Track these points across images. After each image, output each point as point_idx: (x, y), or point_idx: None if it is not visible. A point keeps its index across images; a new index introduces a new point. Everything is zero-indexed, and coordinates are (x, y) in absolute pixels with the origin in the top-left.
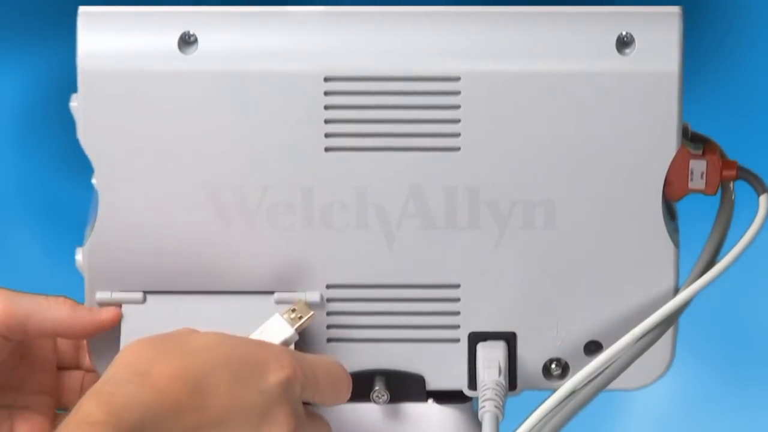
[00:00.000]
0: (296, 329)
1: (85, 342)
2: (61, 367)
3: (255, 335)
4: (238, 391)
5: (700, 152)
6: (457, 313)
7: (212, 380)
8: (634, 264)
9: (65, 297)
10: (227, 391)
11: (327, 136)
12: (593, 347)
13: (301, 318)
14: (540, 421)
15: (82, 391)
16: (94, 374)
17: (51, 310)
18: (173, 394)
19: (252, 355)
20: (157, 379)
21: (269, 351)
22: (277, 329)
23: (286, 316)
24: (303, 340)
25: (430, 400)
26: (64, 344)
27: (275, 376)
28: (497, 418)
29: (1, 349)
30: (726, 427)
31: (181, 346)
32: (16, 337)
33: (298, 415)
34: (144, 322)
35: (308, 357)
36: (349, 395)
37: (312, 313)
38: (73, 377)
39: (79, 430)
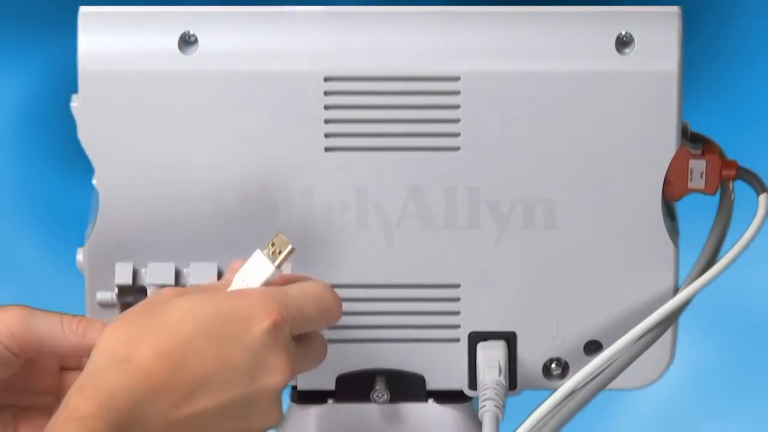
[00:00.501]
0: (276, 265)
1: None
2: (64, 368)
3: (237, 279)
4: (223, 353)
5: (699, 152)
6: (457, 313)
7: (195, 350)
8: (633, 263)
9: (80, 319)
10: (213, 357)
11: (327, 136)
12: (593, 347)
13: (280, 252)
14: (540, 420)
15: None
16: None
17: (66, 337)
18: (158, 374)
19: (233, 311)
20: (139, 362)
21: (251, 301)
22: (258, 269)
23: (266, 251)
24: None
25: (430, 400)
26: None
27: (260, 326)
28: (497, 418)
29: (11, 365)
30: (725, 427)
31: (160, 320)
32: (27, 356)
33: (292, 355)
34: None
35: (292, 292)
36: (340, 313)
37: (291, 247)
38: (76, 377)
39: (68, 425)
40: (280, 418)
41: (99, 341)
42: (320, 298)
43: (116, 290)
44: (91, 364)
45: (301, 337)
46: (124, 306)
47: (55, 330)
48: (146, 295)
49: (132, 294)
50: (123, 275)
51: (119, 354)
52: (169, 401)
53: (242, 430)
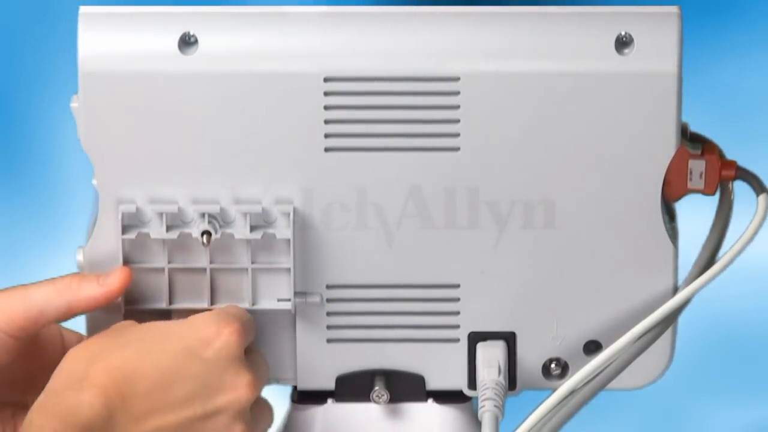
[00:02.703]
0: None
1: None
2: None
3: None
4: (181, 367)
5: (698, 152)
6: (457, 313)
7: (151, 364)
8: (633, 263)
9: (71, 276)
10: (171, 371)
11: (327, 136)
12: (593, 347)
13: None
14: (540, 420)
15: None
16: None
17: (61, 296)
18: (114, 389)
19: (192, 327)
20: (95, 379)
21: (209, 318)
22: None
23: None
24: (303, 339)
25: (430, 400)
26: (69, 345)
27: (220, 340)
28: (497, 418)
29: (11, 350)
30: (725, 427)
31: (117, 340)
32: (28, 334)
33: (253, 370)
34: None
35: (262, 364)
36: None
37: None
38: None
39: None
40: None
41: (60, 363)
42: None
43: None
44: (51, 385)
45: (247, 351)
46: (128, 312)
47: (49, 294)
48: None
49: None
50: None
51: (77, 373)
52: (131, 415)
53: None
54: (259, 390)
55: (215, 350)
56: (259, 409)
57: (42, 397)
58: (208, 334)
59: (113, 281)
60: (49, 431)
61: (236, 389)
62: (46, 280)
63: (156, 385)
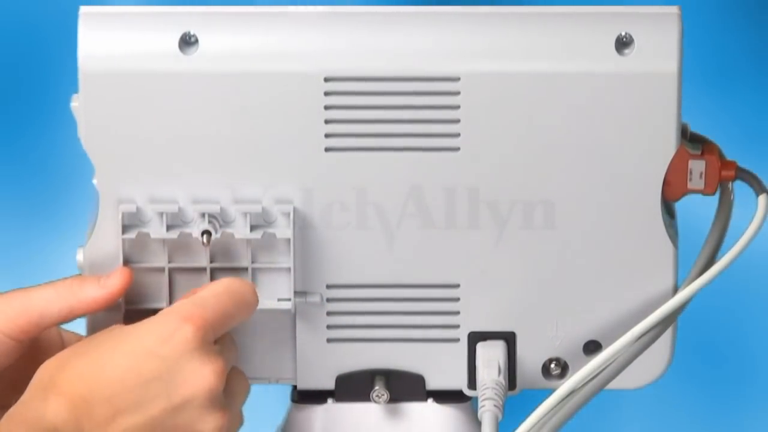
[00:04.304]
0: None
1: None
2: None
3: None
4: (139, 367)
5: (698, 152)
6: (457, 313)
7: (112, 367)
8: (633, 264)
9: (72, 278)
10: (130, 372)
11: (327, 136)
12: (592, 347)
13: None
14: (540, 420)
15: None
16: None
17: (62, 299)
18: (77, 393)
19: (149, 327)
20: (60, 387)
21: (167, 314)
22: None
23: None
24: (303, 339)
25: (430, 400)
26: (69, 346)
27: (179, 335)
28: (497, 418)
29: (12, 353)
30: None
31: (81, 348)
32: (29, 337)
33: (216, 359)
34: None
35: (204, 294)
36: (257, 299)
37: None
38: None
39: None
40: (219, 423)
41: (33, 379)
42: (234, 291)
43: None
44: (22, 397)
45: (220, 340)
46: (128, 312)
47: (50, 296)
48: None
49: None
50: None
51: (43, 383)
52: (98, 420)
53: None
54: (225, 375)
55: (172, 346)
56: (234, 381)
57: (11, 410)
58: (165, 331)
59: (114, 283)
60: None
61: (200, 379)
62: (47, 282)
63: (118, 388)
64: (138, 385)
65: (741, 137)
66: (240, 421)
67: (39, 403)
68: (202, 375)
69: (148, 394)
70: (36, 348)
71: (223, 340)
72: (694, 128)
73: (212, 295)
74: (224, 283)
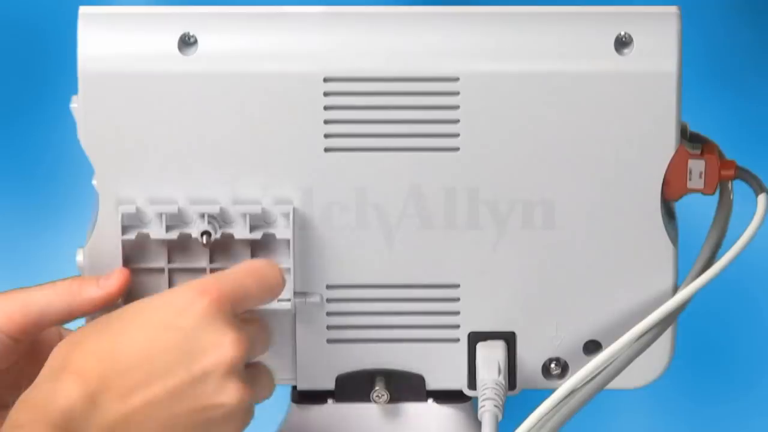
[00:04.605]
0: None
1: None
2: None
3: None
4: (156, 339)
5: (698, 152)
6: (457, 313)
7: (127, 341)
8: (633, 263)
9: (72, 279)
10: (146, 344)
11: (327, 136)
12: (592, 346)
13: None
14: (540, 420)
15: None
16: None
17: (61, 299)
18: (92, 371)
19: (164, 300)
20: (73, 367)
21: (184, 287)
22: None
23: None
24: (303, 340)
25: (430, 400)
26: None
27: (195, 307)
28: (497, 418)
29: (11, 352)
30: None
31: (94, 327)
32: (29, 338)
33: (236, 331)
34: None
35: (228, 271)
36: (283, 282)
37: None
38: None
39: None
40: (240, 395)
41: (47, 362)
42: (257, 271)
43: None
44: (36, 380)
45: (246, 318)
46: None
47: (50, 297)
48: None
49: None
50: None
51: (55, 365)
52: (114, 395)
53: (200, 411)
54: (246, 349)
55: (189, 317)
56: (258, 373)
57: (23, 395)
58: (181, 303)
59: (113, 283)
60: (24, 422)
61: (219, 348)
62: (47, 283)
63: (134, 361)
64: (155, 356)
65: (740, 137)
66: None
67: (51, 384)
68: (221, 345)
69: (166, 366)
70: (35, 348)
71: (252, 320)
72: (694, 128)
73: (231, 272)
74: (246, 263)
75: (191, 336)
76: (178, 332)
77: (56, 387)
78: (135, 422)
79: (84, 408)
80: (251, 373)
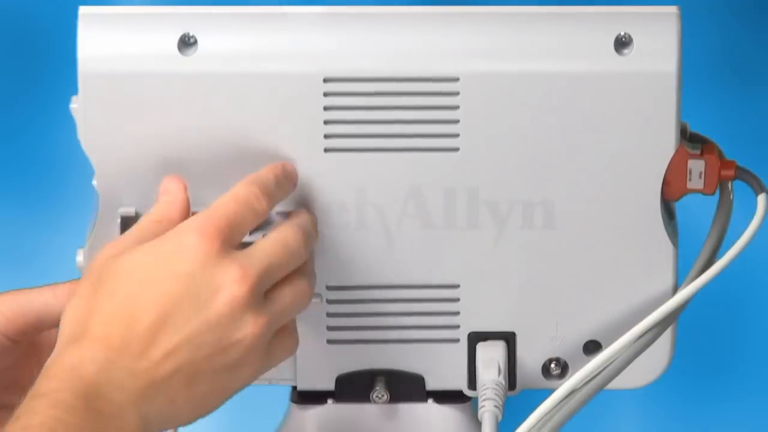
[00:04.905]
0: None
1: None
2: None
3: None
4: (166, 289)
5: (698, 152)
6: (457, 313)
7: (141, 299)
8: (632, 263)
9: (71, 282)
10: (159, 296)
11: (326, 136)
12: (592, 347)
13: None
14: (540, 420)
15: None
16: None
17: (61, 302)
18: (113, 333)
19: (167, 248)
20: (93, 332)
21: (182, 230)
22: None
23: None
24: (303, 340)
25: (430, 400)
26: None
27: (198, 249)
28: (497, 418)
29: (9, 353)
30: (725, 426)
31: (108, 289)
32: (27, 339)
33: (238, 262)
34: None
35: (217, 203)
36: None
37: None
38: None
39: (33, 402)
40: (256, 327)
41: (60, 326)
42: (239, 197)
43: None
44: (54, 351)
45: (279, 287)
46: None
47: (49, 299)
48: None
49: None
50: None
51: (75, 332)
52: (133, 353)
53: (220, 354)
54: (253, 280)
55: (189, 262)
56: (282, 332)
57: (45, 365)
58: (177, 249)
59: None
60: (47, 390)
61: (227, 287)
62: (47, 285)
63: (153, 319)
64: (172, 310)
65: (740, 137)
66: (295, 340)
67: (74, 351)
68: (231, 281)
69: (182, 315)
70: (34, 349)
71: (302, 267)
72: (694, 128)
73: (220, 204)
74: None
75: (198, 281)
76: (187, 278)
77: (81, 354)
78: (162, 379)
79: (108, 372)
80: (277, 334)
